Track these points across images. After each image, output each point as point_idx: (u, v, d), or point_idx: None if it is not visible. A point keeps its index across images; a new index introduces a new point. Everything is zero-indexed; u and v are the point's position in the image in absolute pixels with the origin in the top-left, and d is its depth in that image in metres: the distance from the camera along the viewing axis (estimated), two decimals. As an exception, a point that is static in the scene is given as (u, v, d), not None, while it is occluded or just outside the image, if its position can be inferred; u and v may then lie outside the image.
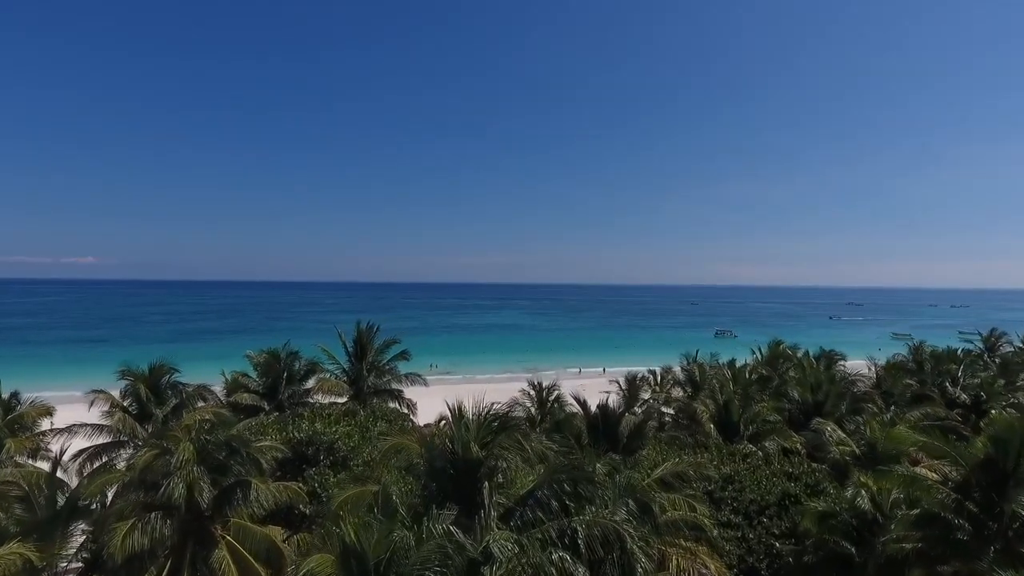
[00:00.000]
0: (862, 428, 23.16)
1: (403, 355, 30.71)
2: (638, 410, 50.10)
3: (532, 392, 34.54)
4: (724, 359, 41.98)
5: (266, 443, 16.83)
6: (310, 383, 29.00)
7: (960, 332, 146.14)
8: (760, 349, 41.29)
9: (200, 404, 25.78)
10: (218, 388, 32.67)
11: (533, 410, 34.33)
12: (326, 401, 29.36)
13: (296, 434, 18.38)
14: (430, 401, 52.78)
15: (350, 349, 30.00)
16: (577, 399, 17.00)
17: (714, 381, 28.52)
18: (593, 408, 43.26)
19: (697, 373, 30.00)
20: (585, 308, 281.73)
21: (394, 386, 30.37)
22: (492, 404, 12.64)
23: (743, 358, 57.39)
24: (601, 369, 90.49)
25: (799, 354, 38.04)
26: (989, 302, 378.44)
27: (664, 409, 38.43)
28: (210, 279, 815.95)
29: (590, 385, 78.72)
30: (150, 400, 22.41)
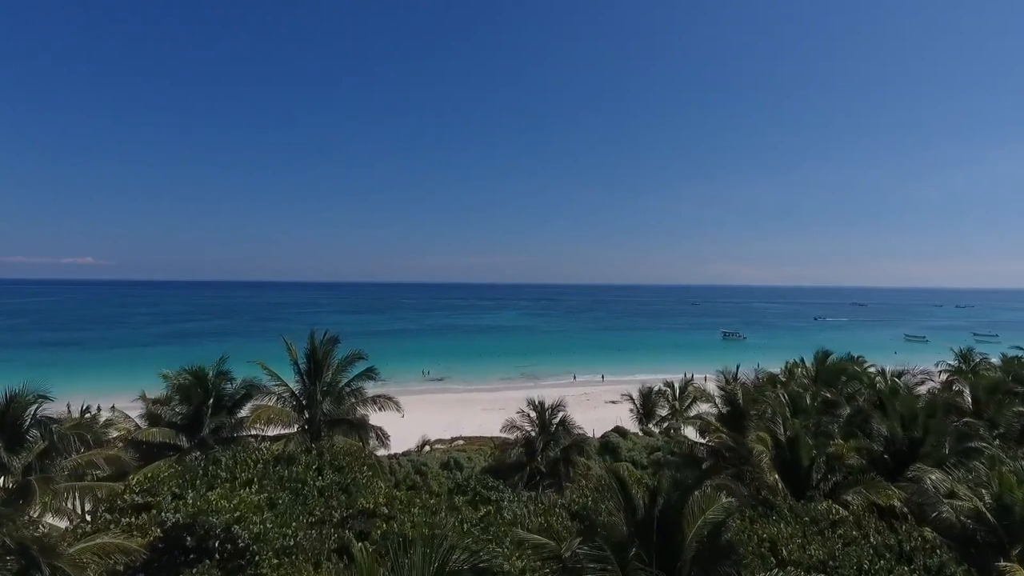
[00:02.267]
0: (984, 479, 16.81)
1: (369, 373, 24.18)
2: (654, 430, 44.04)
3: (532, 413, 29.87)
4: (758, 370, 35.90)
5: (103, 539, 10.54)
6: (246, 410, 22.50)
7: (975, 334, 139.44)
8: (803, 361, 34.43)
9: (92, 444, 19.54)
10: (137, 412, 26.42)
11: (533, 433, 29.72)
12: (271, 434, 22.97)
13: (168, 516, 11.86)
14: (416, 414, 46.45)
15: (302, 366, 23.43)
16: (617, 475, 10.58)
17: (767, 408, 22.04)
18: (617, 434, 36.56)
19: (740, 396, 23.57)
20: (585, 309, 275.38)
21: (359, 412, 23.88)
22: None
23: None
24: (600, 376, 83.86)
25: (868, 369, 31.18)
26: (990, 302, 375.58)
27: (691, 436, 32.32)
28: (210, 279, 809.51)
29: (593, 395, 71.80)
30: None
